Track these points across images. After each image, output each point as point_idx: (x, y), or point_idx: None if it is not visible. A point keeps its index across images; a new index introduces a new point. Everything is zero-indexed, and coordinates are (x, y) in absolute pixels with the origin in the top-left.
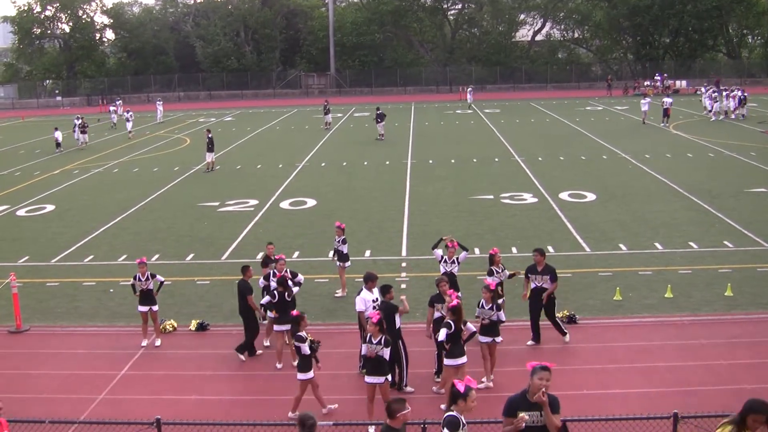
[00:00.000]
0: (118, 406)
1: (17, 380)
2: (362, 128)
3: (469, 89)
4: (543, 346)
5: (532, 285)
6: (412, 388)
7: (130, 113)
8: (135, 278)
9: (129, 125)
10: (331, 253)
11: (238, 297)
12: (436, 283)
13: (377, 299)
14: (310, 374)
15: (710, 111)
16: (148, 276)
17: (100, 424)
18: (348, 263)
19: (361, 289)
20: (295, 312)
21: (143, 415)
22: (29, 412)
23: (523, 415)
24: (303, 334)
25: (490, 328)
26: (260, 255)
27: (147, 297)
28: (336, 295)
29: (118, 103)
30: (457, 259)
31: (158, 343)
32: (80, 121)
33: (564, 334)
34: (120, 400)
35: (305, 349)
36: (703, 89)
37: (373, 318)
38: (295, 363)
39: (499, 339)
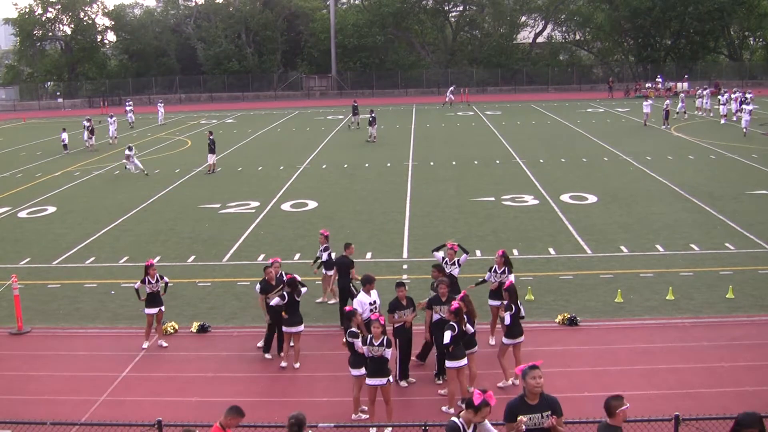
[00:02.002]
0: (119, 408)
1: (19, 382)
2: (364, 130)
3: (451, 88)
4: (544, 348)
5: None
6: (406, 384)
7: (113, 118)
8: (144, 281)
9: (112, 130)
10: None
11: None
12: (435, 285)
13: (375, 302)
14: (363, 370)
15: (689, 111)
16: (157, 278)
17: (101, 426)
18: (332, 271)
19: (359, 292)
20: (348, 308)
21: (145, 417)
22: (31, 413)
23: (521, 418)
24: (356, 329)
25: (505, 329)
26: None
27: (155, 299)
28: (329, 302)
29: (129, 103)
30: (458, 261)
31: (165, 344)
32: (89, 123)
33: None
34: (121, 401)
35: (358, 344)
36: (704, 92)
37: (380, 320)
38: (297, 365)
39: (507, 341)
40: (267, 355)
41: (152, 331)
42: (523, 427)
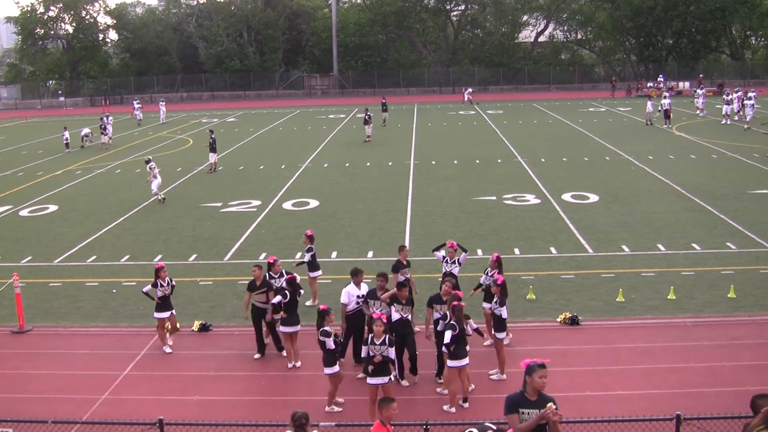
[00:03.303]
0: (120, 407)
1: (20, 380)
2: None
3: (469, 90)
4: (545, 347)
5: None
6: (408, 383)
7: (110, 118)
8: (156, 285)
9: (108, 131)
10: (298, 255)
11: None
12: (441, 282)
13: (362, 295)
14: (336, 368)
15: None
16: (168, 281)
17: (102, 425)
18: (317, 273)
19: (349, 283)
20: (323, 306)
21: (146, 416)
22: (32, 412)
23: (550, 405)
24: (328, 329)
25: (495, 323)
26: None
27: (166, 302)
28: (306, 303)
29: (136, 101)
30: (458, 260)
31: (171, 344)
32: (102, 121)
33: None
34: (123, 400)
35: (330, 343)
36: (699, 91)
37: (383, 318)
38: (298, 364)
39: (501, 335)
40: (256, 355)
41: (156, 333)
42: (551, 415)
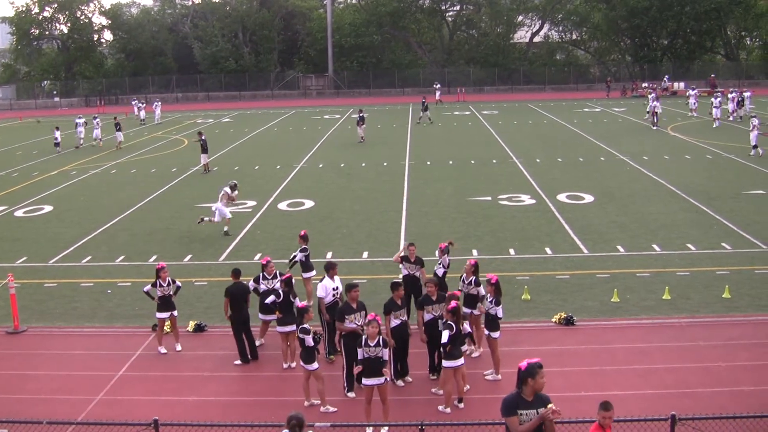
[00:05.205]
0: (115, 407)
1: (15, 381)
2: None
3: (437, 87)
4: (541, 347)
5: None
6: (403, 383)
7: (97, 119)
8: (155, 285)
9: (97, 132)
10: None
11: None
12: (424, 284)
13: (337, 287)
14: (316, 365)
15: (694, 111)
16: (169, 281)
17: (97, 425)
18: (311, 273)
19: (324, 277)
20: (301, 304)
21: (141, 416)
22: (27, 412)
23: (551, 405)
24: (307, 326)
25: (489, 323)
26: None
27: (167, 303)
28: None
29: (135, 101)
30: (442, 263)
31: (179, 348)
32: (115, 120)
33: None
34: (118, 400)
35: (309, 340)
36: (691, 91)
37: (377, 319)
38: (294, 365)
39: (495, 334)
40: (237, 361)
41: (163, 335)
42: (551, 415)
